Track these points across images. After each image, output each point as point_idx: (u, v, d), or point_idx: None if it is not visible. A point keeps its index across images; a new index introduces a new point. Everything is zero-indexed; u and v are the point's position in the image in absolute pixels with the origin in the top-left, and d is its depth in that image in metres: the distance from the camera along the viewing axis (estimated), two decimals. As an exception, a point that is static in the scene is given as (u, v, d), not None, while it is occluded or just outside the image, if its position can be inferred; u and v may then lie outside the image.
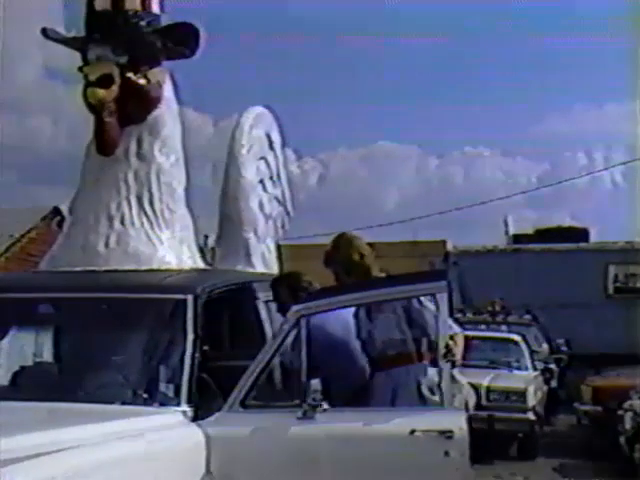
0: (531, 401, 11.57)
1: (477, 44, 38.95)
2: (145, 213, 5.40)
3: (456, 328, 4.91)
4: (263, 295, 5.35)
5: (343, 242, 5.15)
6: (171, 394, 4.44)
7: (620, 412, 10.32)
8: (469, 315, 15.00)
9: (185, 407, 4.39)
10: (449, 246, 21.39)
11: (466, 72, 38.71)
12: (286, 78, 37.80)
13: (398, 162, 40.97)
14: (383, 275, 5.16)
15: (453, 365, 4.56)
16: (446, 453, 4.26)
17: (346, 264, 5.04)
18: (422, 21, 35.62)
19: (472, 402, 10.91)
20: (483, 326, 14.38)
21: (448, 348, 4.37)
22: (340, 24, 34.20)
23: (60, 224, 15.03)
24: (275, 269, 6.61)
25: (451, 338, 4.49)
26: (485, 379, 11.46)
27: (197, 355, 4.52)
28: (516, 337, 13.18)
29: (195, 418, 4.37)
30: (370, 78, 39.24)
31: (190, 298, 4.69)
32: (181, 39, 5.45)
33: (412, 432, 4.27)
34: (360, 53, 38.16)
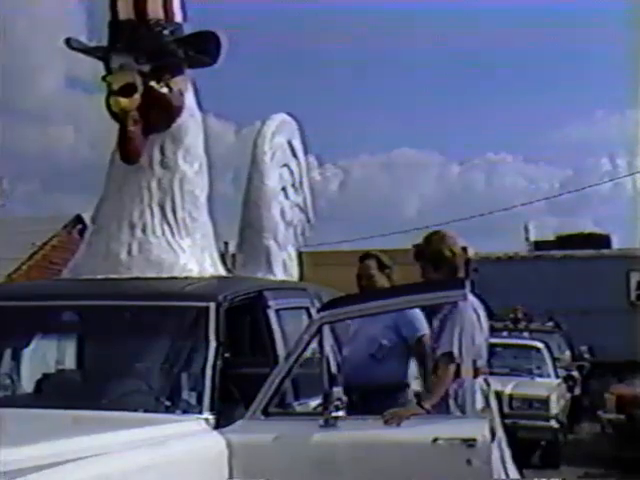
0: (554, 409, 11.50)
1: (499, 50, 38.88)
2: (167, 221, 5.42)
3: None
4: (284, 302, 5.35)
5: (436, 237, 5.17)
6: (193, 402, 4.44)
7: (644, 421, 10.23)
8: (491, 322, 14.92)
9: (207, 415, 4.39)
10: (471, 253, 21.31)
11: (488, 78, 38.65)
12: (307, 85, 37.89)
13: (419, 169, 41.04)
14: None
15: None
16: (468, 461, 4.23)
17: (436, 258, 5.05)
18: (443, 27, 35.59)
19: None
20: (505, 333, 14.31)
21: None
22: (361, 30, 34.23)
23: (82, 232, 15.11)
24: (296, 276, 6.62)
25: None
26: (507, 386, 11.38)
27: (219, 363, 4.52)
28: (538, 344, 13.10)
29: (217, 426, 4.37)
30: (391, 84, 39.26)
31: (212, 305, 4.69)
32: (203, 47, 5.46)
33: (435, 440, 4.25)
34: (382, 59, 38.19)
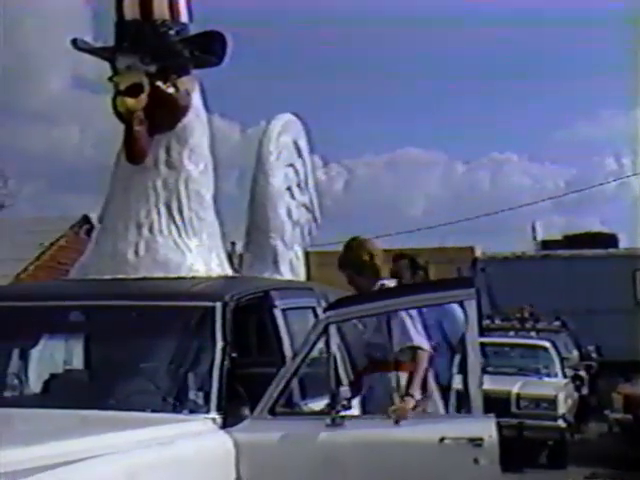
0: (561, 408, 11.47)
1: (504, 51, 38.86)
2: (174, 221, 5.43)
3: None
4: (291, 302, 5.35)
5: (355, 244, 5.38)
6: (200, 401, 4.45)
7: (651, 420, 10.20)
8: (498, 322, 14.92)
9: (214, 414, 4.39)
10: (477, 252, 21.30)
11: (493, 78, 38.62)
12: (312, 85, 37.91)
13: (424, 168, 41.06)
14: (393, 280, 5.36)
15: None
16: (475, 461, 4.23)
17: (357, 264, 5.25)
18: (447, 28, 35.59)
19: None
20: (512, 333, 14.29)
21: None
22: (366, 31, 34.24)
23: (89, 232, 15.13)
24: (302, 276, 6.62)
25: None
26: (515, 386, 11.38)
27: (226, 362, 4.53)
28: (546, 344, 13.07)
29: (224, 425, 4.38)
30: (396, 84, 39.25)
31: (219, 305, 4.70)
32: (209, 47, 5.47)
33: (441, 440, 4.25)
34: (386, 60, 38.19)
